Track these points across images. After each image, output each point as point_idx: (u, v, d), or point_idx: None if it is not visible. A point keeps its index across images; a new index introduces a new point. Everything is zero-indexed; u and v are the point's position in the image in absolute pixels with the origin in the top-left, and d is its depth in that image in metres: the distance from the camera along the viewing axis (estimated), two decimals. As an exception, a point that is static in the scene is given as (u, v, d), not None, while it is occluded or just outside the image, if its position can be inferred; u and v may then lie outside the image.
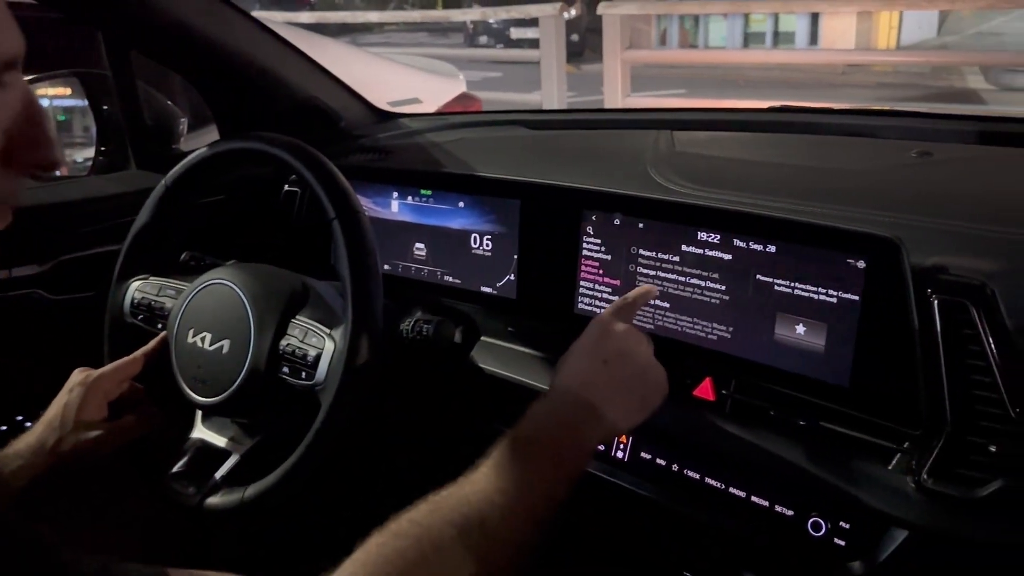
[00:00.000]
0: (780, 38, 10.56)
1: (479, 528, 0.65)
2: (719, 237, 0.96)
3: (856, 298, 0.86)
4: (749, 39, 10.76)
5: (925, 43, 10.08)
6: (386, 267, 1.26)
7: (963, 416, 0.79)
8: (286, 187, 1.36)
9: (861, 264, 0.85)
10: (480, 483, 0.69)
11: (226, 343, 0.97)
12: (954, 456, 0.79)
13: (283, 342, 0.96)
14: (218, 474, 0.98)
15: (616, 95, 5.26)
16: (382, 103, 1.62)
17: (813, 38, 10.09)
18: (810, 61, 8.51)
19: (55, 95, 1.93)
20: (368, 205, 1.27)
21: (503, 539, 0.66)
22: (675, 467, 0.98)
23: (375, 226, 0.98)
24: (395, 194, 1.25)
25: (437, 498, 0.67)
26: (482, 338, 1.21)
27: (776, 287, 0.92)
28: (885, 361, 0.85)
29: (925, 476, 0.80)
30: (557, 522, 1.18)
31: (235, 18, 1.31)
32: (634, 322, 0.99)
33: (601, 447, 1.04)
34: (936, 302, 0.81)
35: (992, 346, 0.77)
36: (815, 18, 9.88)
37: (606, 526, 1.13)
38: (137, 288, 1.11)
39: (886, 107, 1.44)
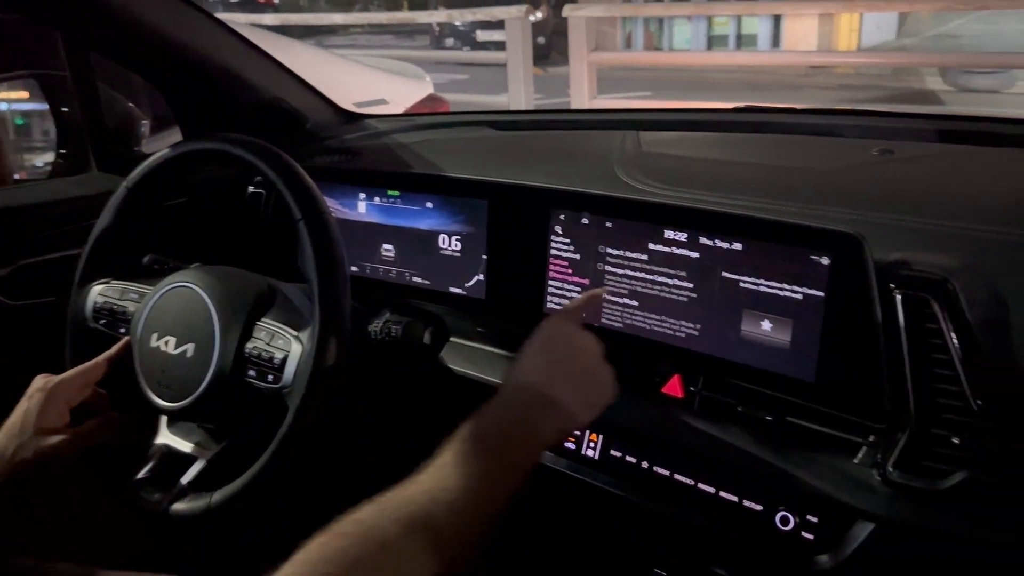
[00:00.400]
0: (743, 40, 10.67)
1: (424, 526, 0.65)
2: (686, 235, 0.96)
3: (821, 294, 0.87)
4: (713, 42, 10.85)
5: (885, 45, 10.25)
6: (354, 268, 1.25)
7: (926, 409, 0.80)
8: (251, 188, 1.35)
9: (825, 261, 0.86)
10: (426, 483, 0.69)
11: (191, 347, 0.96)
12: (918, 449, 0.80)
13: (249, 345, 0.94)
14: (184, 480, 0.97)
15: (583, 97, 5.27)
16: (348, 105, 1.61)
17: (775, 41, 10.20)
18: (775, 62, 8.61)
19: (14, 98, 1.90)
20: (335, 206, 1.26)
21: (451, 536, 0.66)
22: (645, 464, 0.99)
23: (342, 227, 0.98)
24: (362, 195, 1.24)
25: (382, 498, 0.67)
26: (451, 339, 1.21)
27: (742, 284, 0.93)
28: (850, 356, 0.86)
29: (890, 469, 0.81)
30: (529, 521, 1.18)
31: (197, 18, 1.29)
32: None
33: (571, 445, 1.04)
34: (899, 297, 0.82)
35: (954, 340, 0.78)
36: (777, 21, 9.99)
37: (577, 524, 1.13)
38: (99, 292, 1.09)
39: (848, 107, 1.47)
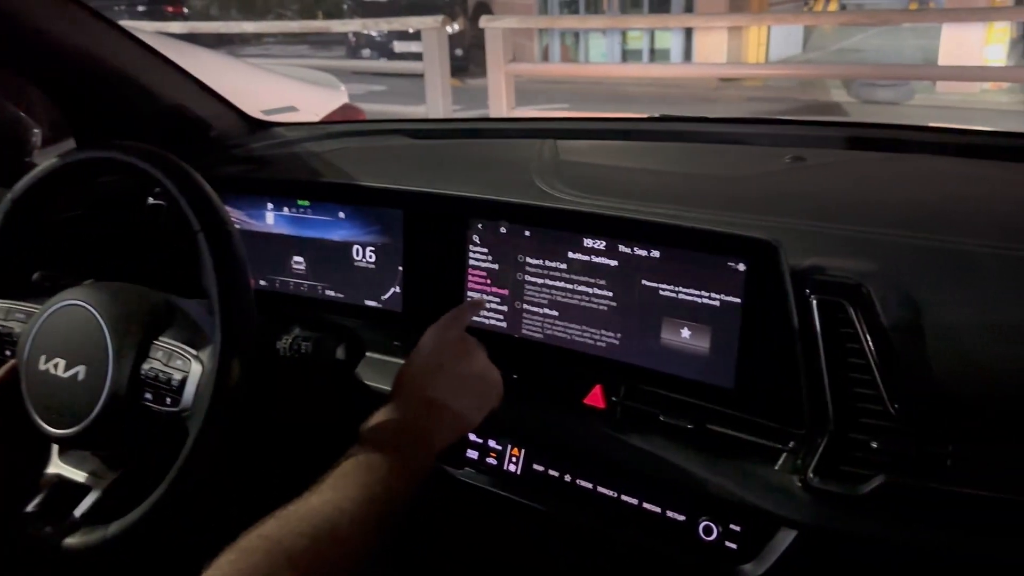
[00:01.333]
0: (656, 55, 10.87)
1: (329, 536, 0.67)
2: (605, 243, 0.95)
3: (738, 300, 0.87)
4: (627, 55, 11.03)
5: (792, 59, 10.61)
6: (262, 283, 1.20)
7: (845, 414, 0.80)
8: (150, 200, 1.28)
9: (741, 267, 0.86)
10: (327, 493, 0.71)
11: (82, 369, 0.90)
12: (838, 454, 0.80)
13: (145, 366, 0.89)
14: (78, 511, 0.90)
15: (501, 108, 5.30)
16: (256, 112, 1.55)
17: (687, 55, 10.44)
18: (689, 74, 8.83)
19: None
20: (241, 217, 1.20)
21: (354, 544, 0.68)
22: (568, 478, 0.97)
23: (249, 239, 0.94)
24: (270, 205, 1.19)
25: (285, 512, 0.68)
26: (367, 354, 1.17)
27: (661, 292, 0.92)
28: (768, 362, 0.86)
29: (811, 475, 0.81)
30: (451, 539, 1.15)
31: (90, 22, 1.22)
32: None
33: (493, 461, 1.02)
34: (815, 302, 0.83)
35: (870, 344, 0.79)
36: (689, 36, 10.23)
37: (500, 541, 1.11)
38: None
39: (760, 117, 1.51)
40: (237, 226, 0.92)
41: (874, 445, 0.78)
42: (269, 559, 0.63)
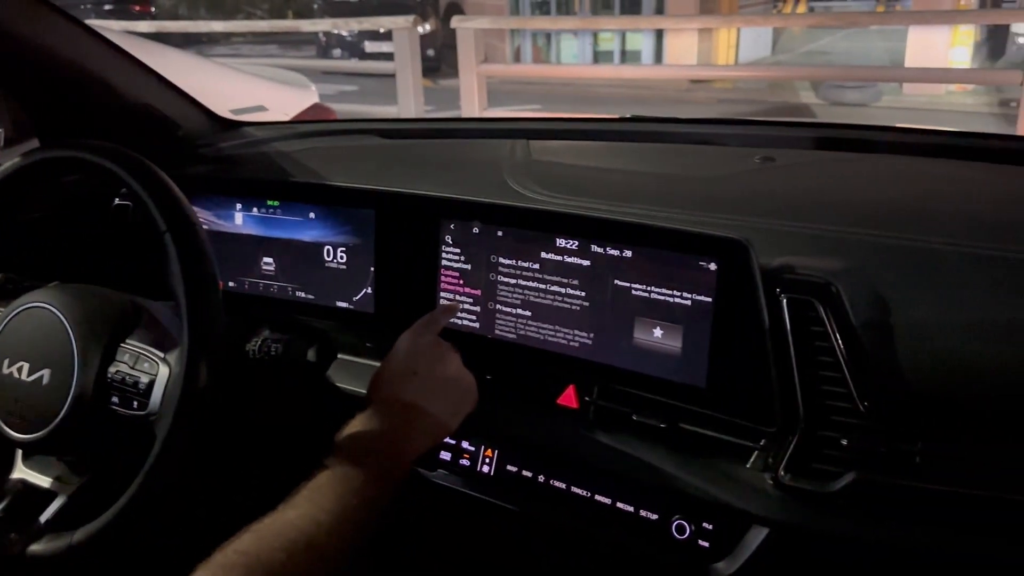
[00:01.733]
0: (627, 56, 10.92)
1: (306, 549, 0.67)
2: (577, 243, 0.95)
3: (709, 300, 0.87)
4: (599, 57, 11.07)
5: (761, 61, 10.71)
6: (230, 284, 1.19)
7: (815, 412, 0.81)
8: (117, 200, 1.26)
9: (713, 266, 0.87)
10: (303, 506, 0.71)
11: (46, 373, 0.88)
12: (808, 452, 0.81)
13: (111, 369, 0.88)
14: (43, 518, 0.89)
15: (473, 109, 5.30)
16: (224, 112, 1.53)
17: (658, 57, 10.50)
18: (661, 75, 8.86)
19: None
20: (209, 218, 1.19)
21: (332, 555, 0.68)
22: (541, 478, 0.97)
23: (218, 240, 0.92)
24: (239, 205, 1.17)
25: (260, 526, 0.68)
26: (339, 356, 1.16)
27: (633, 292, 0.92)
28: (739, 361, 0.86)
29: (782, 472, 0.82)
30: (425, 541, 1.14)
31: (55, 20, 1.20)
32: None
33: (466, 463, 1.02)
34: (785, 301, 0.83)
35: (840, 342, 0.80)
36: (659, 37, 10.30)
37: (474, 542, 1.10)
38: None
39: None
40: (205, 227, 0.91)
41: (844, 443, 0.79)
42: (248, 575, 0.63)
